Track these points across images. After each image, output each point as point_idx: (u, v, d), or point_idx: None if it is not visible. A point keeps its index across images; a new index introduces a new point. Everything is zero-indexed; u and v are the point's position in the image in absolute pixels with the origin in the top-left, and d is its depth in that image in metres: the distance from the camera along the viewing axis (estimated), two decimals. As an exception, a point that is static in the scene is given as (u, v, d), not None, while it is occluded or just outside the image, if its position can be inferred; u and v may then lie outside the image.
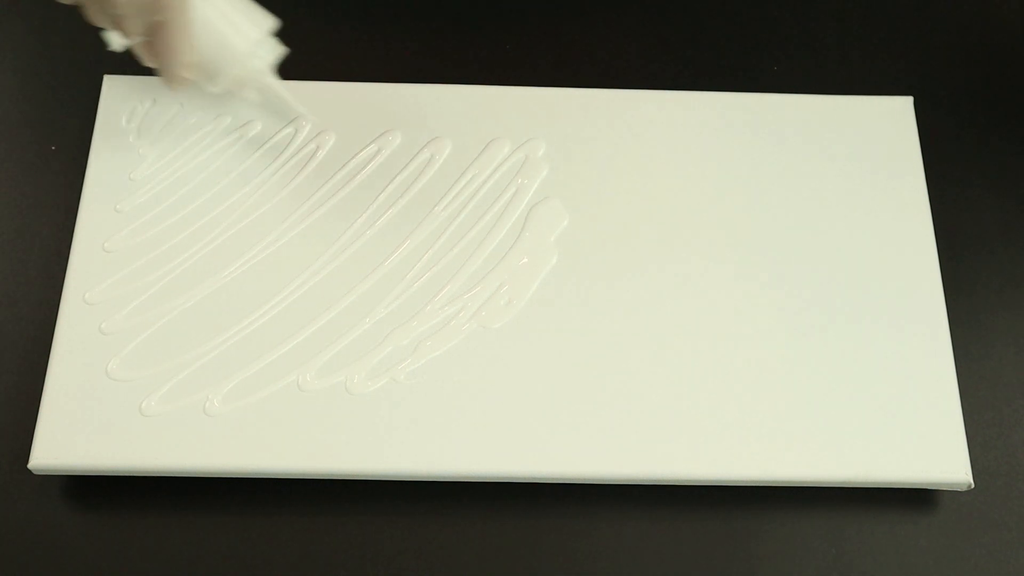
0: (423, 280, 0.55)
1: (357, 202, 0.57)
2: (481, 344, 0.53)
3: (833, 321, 0.54)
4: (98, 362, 0.52)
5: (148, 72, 0.60)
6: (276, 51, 0.55)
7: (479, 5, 0.66)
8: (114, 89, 0.59)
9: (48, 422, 0.50)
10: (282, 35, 0.64)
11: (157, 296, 0.54)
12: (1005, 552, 0.52)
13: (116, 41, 0.53)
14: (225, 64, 0.53)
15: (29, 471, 0.50)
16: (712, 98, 0.60)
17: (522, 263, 0.55)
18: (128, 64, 0.61)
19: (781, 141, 0.59)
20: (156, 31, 0.51)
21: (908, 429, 0.52)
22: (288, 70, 0.62)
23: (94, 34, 0.63)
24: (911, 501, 0.52)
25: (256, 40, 0.54)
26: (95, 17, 0.52)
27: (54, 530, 0.51)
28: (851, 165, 0.59)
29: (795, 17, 0.66)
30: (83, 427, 0.50)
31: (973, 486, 0.51)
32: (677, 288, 0.55)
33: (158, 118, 0.58)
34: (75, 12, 0.64)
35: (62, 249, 0.55)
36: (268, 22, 0.54)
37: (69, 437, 0.50)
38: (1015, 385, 0.56)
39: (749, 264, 0.56)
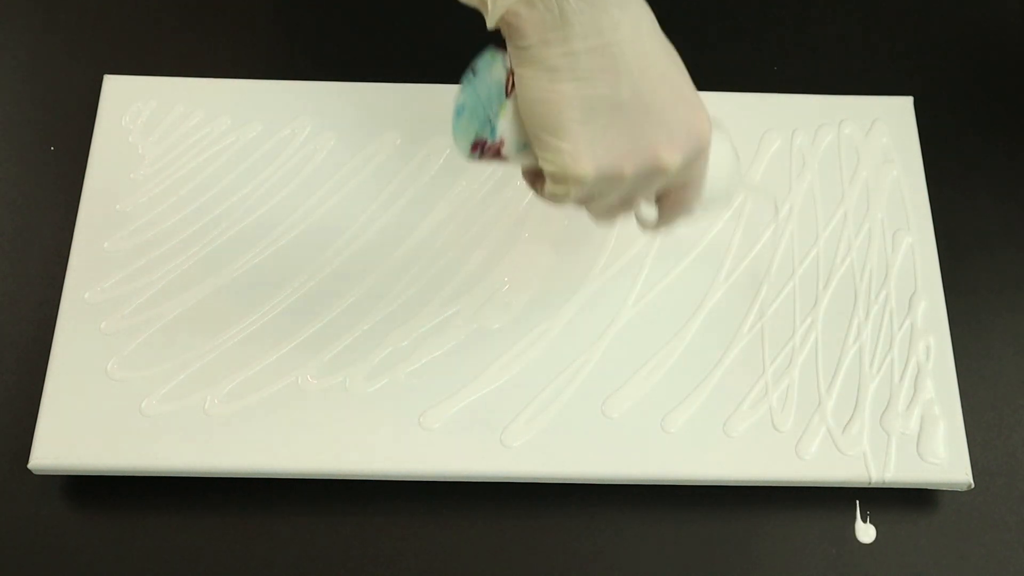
0: (423, 280, 0.55)
1: (357, 202, 0.57)
2: (481, 344, 0.53)
3: (834, 321, 0.54)
4: (98, 362, 0.52)
5: (148, 72, 0.60)
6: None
7: (479, 5, 0.66)
8: (114, 89, 0.59)
9: (48, 422, 0.50)
10: (282, 35, 0.64)
11: (157, 296, 0.54)
12: (1005, 552, 0.52)
13: (647, 213, 0.47)
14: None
15: (29, 471, 0.50)
16: (712, 98, 0.59)
17: (522, 263, 0.55)
18: (128, 64, 0.61)
19: (782, 141, 0.59)
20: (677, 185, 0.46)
21: (908, 429, 0.52)
22: (289, 70, 0.62)
23: (94, 34, 0.64)
24: (911, 501, 0.52)
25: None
26: (604, 210, 0.45)
27: (54, 530, 0.51)
28: (851, 165, 0.59)
29: (795, 17, 0.66)
30: (83, 427, 0.50)
31: (973, 486, 0.51)
32: (677, 287, 0.55)
33: (158, 118, 0.58)
34: (74, 11, 0.64)
35: (62, 249, 0.55)
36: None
37: (69, 437, 0.50)
38: (1015, 385, 0.56)
39: (750, 263, 0.56)
